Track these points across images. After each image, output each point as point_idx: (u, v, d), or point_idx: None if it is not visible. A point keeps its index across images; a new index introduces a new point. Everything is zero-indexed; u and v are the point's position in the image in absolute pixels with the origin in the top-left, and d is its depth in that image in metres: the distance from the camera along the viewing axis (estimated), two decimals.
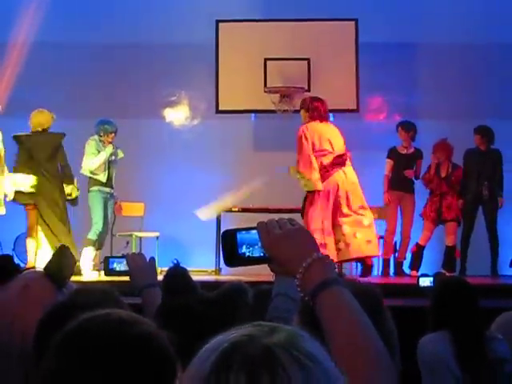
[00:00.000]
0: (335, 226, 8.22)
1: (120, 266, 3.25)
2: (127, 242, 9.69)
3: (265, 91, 10.08)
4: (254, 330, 1.02)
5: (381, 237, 9.54)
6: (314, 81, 10.18)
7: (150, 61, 10.67)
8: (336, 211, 8.21)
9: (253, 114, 10.78)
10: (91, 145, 9.07)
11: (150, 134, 10.45)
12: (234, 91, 10.27)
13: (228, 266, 1.61)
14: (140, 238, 9.90)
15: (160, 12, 10.68)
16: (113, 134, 9.11)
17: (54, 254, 2.31)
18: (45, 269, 2.29)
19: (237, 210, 9.55)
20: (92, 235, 8.96)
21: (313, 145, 8.26)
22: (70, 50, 10.52)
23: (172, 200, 9.40)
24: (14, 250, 9.83)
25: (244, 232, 1.58)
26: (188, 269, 7.27)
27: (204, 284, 3.81)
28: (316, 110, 8.44)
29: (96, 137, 9.11)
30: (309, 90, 10.13)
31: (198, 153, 10.25)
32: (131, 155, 9.99)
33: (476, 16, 10.52)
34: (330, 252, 8.08)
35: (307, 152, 8.25)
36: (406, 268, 9.55)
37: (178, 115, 10.91)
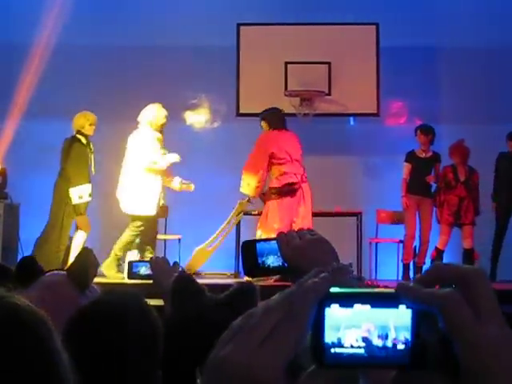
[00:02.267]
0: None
1: (144, 270, 3.28)
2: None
3: (285, 95, 10.09)
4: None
5: (400, 241, 9.53)
6: (334, 85, 10.18)
7: (171, 64, 10.71)
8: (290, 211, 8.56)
9: None
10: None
11: (171, 137, 10.44)
12: (254, 94, 10.28)
13: (249, 276, 1.62)
14: (164, 240, 9.93)
15: (182, 15, 10.72)
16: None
17: (77, 257, 2.33)
18: (67, 271, 2.31)
19: (257, 213, 9.56)
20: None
21: (272, 153, 8.55)
22: (93, 52, 10.59)
23: (194, 203, 9.42)
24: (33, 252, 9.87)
25: (263, 242, 1.59)
26: (208, 272, 7.29)
27: (223, 287, 3.82)
28: (271, 119, 8.77)
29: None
30: (329, 94, 10.14)
31: (219, 156, 10.28)
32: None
33: (498, 20, 10.49)
34: None
35: (257, 157, 8.60)
36: None
37: (198, 118, 10.95)
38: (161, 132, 8.73)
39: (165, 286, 3.04)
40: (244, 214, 9.48)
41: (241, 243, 1.67)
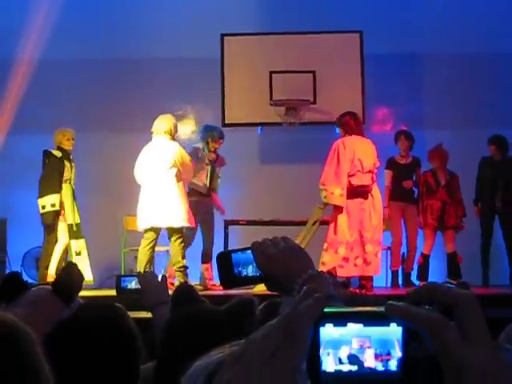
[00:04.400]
0: (361, 241, 8.44)
1: (132, 284, 3.28)
2: (135, 257, 9.69)
3: (271, 104, 10.11)
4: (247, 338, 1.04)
5: (388, 248, 9.54)
6: (319, 93, 10.20)
7: (157, 75, 10.72)
8: (361, 228, 8.39)
9: (259, 127, 10.80)
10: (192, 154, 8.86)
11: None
12: (239, 104, 10.29)
13: (224, 287, 1.63)
14: None
15: (166, 26, 10.73)
16: (221, 140, 9.01)
17: (61, 271, 2.33)
18: (53, 285, 2.31)
19: (244, 223, 9.55)
20: None
21: (349, 161, 8.42)
22: (76, 66, 10.58)
23: None
24: (22, 265, 9.85)
25: (239, 252, 1.60)
26: (193, 283, 7.26)
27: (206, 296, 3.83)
28: (347, 124, 8.53)
29: (200, 145, 9.03)
30: (314, 103, 10.16)
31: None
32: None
33: (480, 26, 10.55)
34: (350, 266, 8.27)
35: (334, 166, 8.42)
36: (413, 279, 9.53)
37: (184, 129, 10.95)
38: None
39: (153, 299, 3.04)
40: (230, 224, 9.46)
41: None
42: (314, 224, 8.81)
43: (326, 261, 8.43)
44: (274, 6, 10.81)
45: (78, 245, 8.95)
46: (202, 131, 9.13)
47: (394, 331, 0.83)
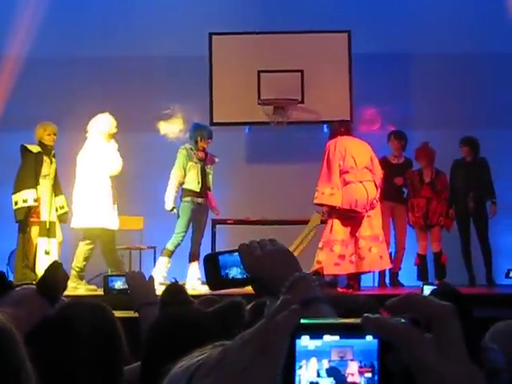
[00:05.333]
0: (352, 238, 8.52)
1: (120, 284, 3.27)
2: (122, 256, 9.67)
3: (258, 103, 10.11)
4: (223, 347, 1.03)
5: None
6: (307, 92, 10.21)
7: (144, 74, 10.69)
8: (355, 224, 8.43)
9: (247, 127, 10.80)
10: (181, 154, 8.94)
11: (144, 147, 10.45)
12: (227, 103, 10.29)
13: (211, 289, 1.62)
14: (140, 251, 9.89)
15: (153, 25, 10.70)
16: (209, 140, 8.99)
17: (46, 270, 2.31)
18: (37, 285, 2.30)
19: (231, 222, 9.54)
20: (170, 245, 8.93)
21: (340, 160, 8.45)
22: (63, 64, 10.53)
23: (170, 213, 9.36)
24: (8, 264, 9.80)
25: (226, 254, 1.59)
26: (181, 282, 7.24)
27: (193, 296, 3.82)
28: (337, 130, 8.68)
29: (187, 145, 9.01)
30: (302, 102, 10.17)
31: None
32: (127, 168, 9.99)
33: (467, 26, 10.58)
34: (346, 263, 8.30)
35: (325, 167, 8.48)
36: (406, 279, 9.51)
37: (172, 128, 10.93)
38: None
39: (140, 299, 3.03)
40: (217, 224, 9.45)
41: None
42: (310, 231, 8.86)
43: (322, 259, 8.45)
44: (262, 6, 10.80)
45: (49, 244, 8.84)
46: (191, 130, 9.10)
47: (370, 343, 0.82)
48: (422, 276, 9.41)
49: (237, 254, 1.56)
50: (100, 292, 5.95)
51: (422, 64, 10.82)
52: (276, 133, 10.14)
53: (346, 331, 0.82)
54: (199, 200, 8.95)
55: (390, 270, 9.56)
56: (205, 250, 9.14)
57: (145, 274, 3.24)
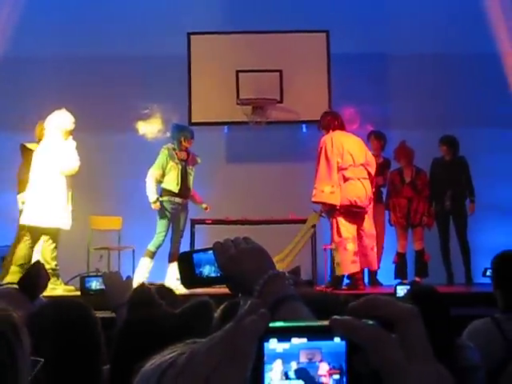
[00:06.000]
0: (358, 236, 8.55)
1: (96, 284, 3.26)
2: (100, 256, 9.65)
3: (237, 103, 10.11)
4: (191, 348, 1.04)
5: None
6: (286, 92, 10.23)
7: (122, 74, 10.66)
8: (359, 220, 8.50)
9: (225, 126, 10.80)
10: (163, 154, 8.90)
11: (123, 148, 10.43)
12: (206, 103, 10.29)
13: (185, 287, 1.62)
14: (118, 251, 9.86)
15: (131, 24, 10.68)
16: (192, 140, 8.96)
17: (27, 270, 2.33)
18: (18, 283, 2.31)
19: (210, 222, 9.54)
20: (152, 246, 8.90)
21: (338, 157, 8.39)
22: (40, 63, 10.48)
23: (148, 213, 9.35)
24: None
25: (201, 253, 1.59)
26: (162, 282, 7.24)
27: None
28: (329, 123, 8.57)
29: (170, 145, 8.96)
30: (281, 102, 10.19)
31: None
32: (105, 169, 9.99)
33: (445, 27, 10.64)
34: (359, 260, 8.42)
35: (323, 164, 8.39)
36: (385, 278, 9.55)
37: (150, 128, 10.91)
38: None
39: (117, 299, 3.02)
40: (196, 223, 9.43)
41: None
42: (308, 230, 8.85)
43: (340, 261, 8.42)
44: (240, 5, 10.80)
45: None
46: (174, 130, 9.08)
47: (338, 345, 0.82)
48: (400, 274, 9.44)
49: (211, 252, 1.56)
50: (78, 293, 5.96)
51: (400, 64, 10.86)
52: (255, 132, 10.15)
53: (313, 333, 0.82)
54: (177, 199, 8.94)
55: (368, 268, 9.58)
56: (184, 249, 9.13)
57: (123, 274, 3.24)
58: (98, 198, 9.35)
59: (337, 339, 0.82)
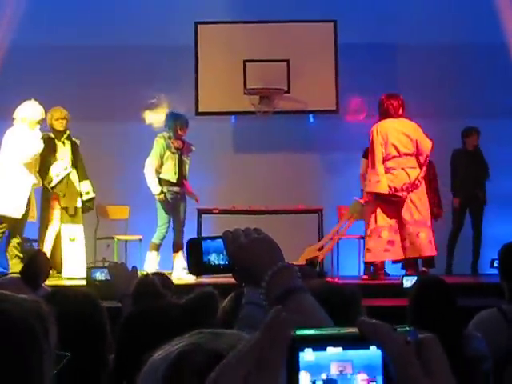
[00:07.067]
0: (401, 224, 8.49)
1: (102, 275, 3.28)
2: (107, 245, 9.67)
3: (244, 93, 10.09)
4: (198, 338, 1.03)
5: (361, 237, 9.54)
6: (293, 82, 10.20)
7: (129, 63, 10.65)
8: (398, 208, 8.47)
9: (232, 116, 10.79)
10: (159, 144, 8.83)
11: (130, 137, 10.42)
12: (213, 93, 10.27)
13: (193, 274, 1.62)
14: (125, 241, 9.87)
15: (139, 14, 10.66)
16: (187, 128, 8.90)
17: (27, 259, 2.33)
18: (20, 273, 2.31)
19: (217, 211, 9.53)
20: (156, 239, 8.88)
21: (382, 147, 8.44)
22: (47, 52, 10.47)
23: (155, 203, 9.36)
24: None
25: (209, 240, 1.58)
26: (167, 272, 7.25)
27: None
28: (381, 105, 8.63)
29: (165, 133, 8.91)
30: (288, 92, 10.16)
31: None
32: (113, 158, 10.00)
33: (455, 16, 10.59)
34: (396, 249, 8.29)
35: (371, 154, 8.48)
36: (391, 269, 9.53)
37: (157, 117, 10.89)
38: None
39: (123, 289, 3.04)
40: (203, 213, 9.41)
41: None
42: (350, 218, 8.83)
43: (371, 247, 8.52)
44: None
45: (73, 230, 8.81)
46: (169, 119, 9.03)
47: (374, 354, 0.79)
48: (407, 265, 9.41)
49: (220, 240, 1.56)
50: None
51: (408, 54, 10.82)
52: (262, 122, 10.13)
53: (349, 342, 0.80)
54: (175, 189, 8.90)
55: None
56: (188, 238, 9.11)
57: (130, 263, 3.25)
58: (105, 187, 9.34)
59: (373, 348, 0.79)
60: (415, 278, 6.42)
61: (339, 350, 0.79)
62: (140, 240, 9.65)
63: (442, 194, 9.58)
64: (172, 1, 10.68)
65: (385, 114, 8.58)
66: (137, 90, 10.56)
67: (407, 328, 0.80)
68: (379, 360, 0.79)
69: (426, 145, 8.59)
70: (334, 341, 0.79)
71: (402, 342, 0.79)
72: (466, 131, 9.74)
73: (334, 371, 0.79)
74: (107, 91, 10.46)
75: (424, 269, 8.99)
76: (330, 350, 0.79)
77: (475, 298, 6.60)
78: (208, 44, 10.40)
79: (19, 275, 2.28)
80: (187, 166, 9.05)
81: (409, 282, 6.81)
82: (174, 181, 8.86)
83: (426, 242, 8.52)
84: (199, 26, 10.41)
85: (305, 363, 0.79)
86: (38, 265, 2.25)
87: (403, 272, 8.58)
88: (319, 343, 0.79)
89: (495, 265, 9.05)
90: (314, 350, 0.79)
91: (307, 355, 0.79)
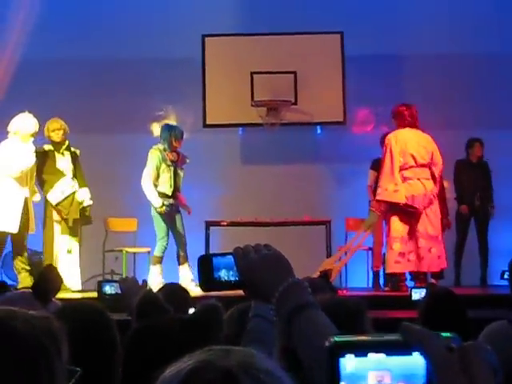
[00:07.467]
0: (413, 236, 8.45)
1: (112, 289, 3.29)
2: (116, 258, 9.67)
3: (252, 105, 10.10)
4: (209, 355, 1.04)
5: (369, 248, 9.52)
6: (300, 94, 10.20)
7: (137, 76, 10.68)
8: (413, 221, 8.43)
9: (240, 128, 10.80)
10: (155, 156, 8.81)
11: (138, 149, 10.43)
12: (221, 105, 10.28)
13: (203, 290, 1.63)
14: (134, 253, 9.86)
15: (147, 27, 10.69)
16: (182, 140, 8.90)
17: (39, 274, 2.33)
18: (32, 288, 2.32)
19: (225, 224, 9.53)
20: (157, 252, 8.84)
21: (400, 156, 8.42)
22: (56, 65, 10.51)
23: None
24: (2, 267, 9.78)
25: (220, 257, 1.59)
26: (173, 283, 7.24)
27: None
28: (400, 115, 8.53)
29: (160, 145, 8.90)
30: (296, 103, 10.16)
31: (186, 167, 10.25)
32: (121, 170, 10.00)
33: (461, 26, 10.59)
34: (406, 261, 8.41)
35: (388, 162, 8.44)
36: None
37: None
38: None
39: (134, 303, 3.05)
40: (211, 225, 9.39)
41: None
42: (368, 228, 8.80)
43: (386, 259, 8.55)
44: (254, 7, 10.80)
45: (70, 242, 8.81)
46: (165, 130, 9.02)
47: (417, 361, 0.77)
48: (415, 277, 9.40)
49: (230, 256, 1.57)
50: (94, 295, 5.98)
51: (415, 65, 10.82)
52: (270, 134, 10.14)
53: (391, 348, 0.78)
54: (170, 201, 8.89)
55: (383, 270, 9.53)
56: (198, 251, 9.09)
57: (138, 275, 3.25)
58: (113, 199, 9.36)
59: (415, 354, 0.78)
60: (424, 290, 6.41)
61: (381, 355, 0.77)
62: (148, 252, 9.64)
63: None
64: (179, 14, 10.71)
65: (404, 124, 8.56)
66: (145, 103, 10.58)
67: (450, 335, 0.79)
68: (419, 369, 0.78)
69: (439, 157, 8.60)
70: (376, 347, 0.78)
71: (446, 348, 0.77)
72: (469, 142, 9.76)
73: (371, 381, 0.77)
74: (116, 104, 10.48)
75: (433, 280, 8.97)
76: (372, 355, 0.77)
77: (485, 309, 6.57)
78: (215, 56, 10.42)
79: (30, 289, 2.28)
80: (181, 179, 9.06)
81: (417, 294, 6.81)
82: (169, 193, 8.86)
83: (436, 257, 8.53)
84: (206, 38, 10.43)
85: (344, 374, 0.77)
86: (49, 280, 2.25)
87: (412, 284, 8.57)
88: (361, 349, 0.78)
89: (505, 276, 9.06)
90: (356, 355, 0.77)
91: (348, 361, 0.77)
